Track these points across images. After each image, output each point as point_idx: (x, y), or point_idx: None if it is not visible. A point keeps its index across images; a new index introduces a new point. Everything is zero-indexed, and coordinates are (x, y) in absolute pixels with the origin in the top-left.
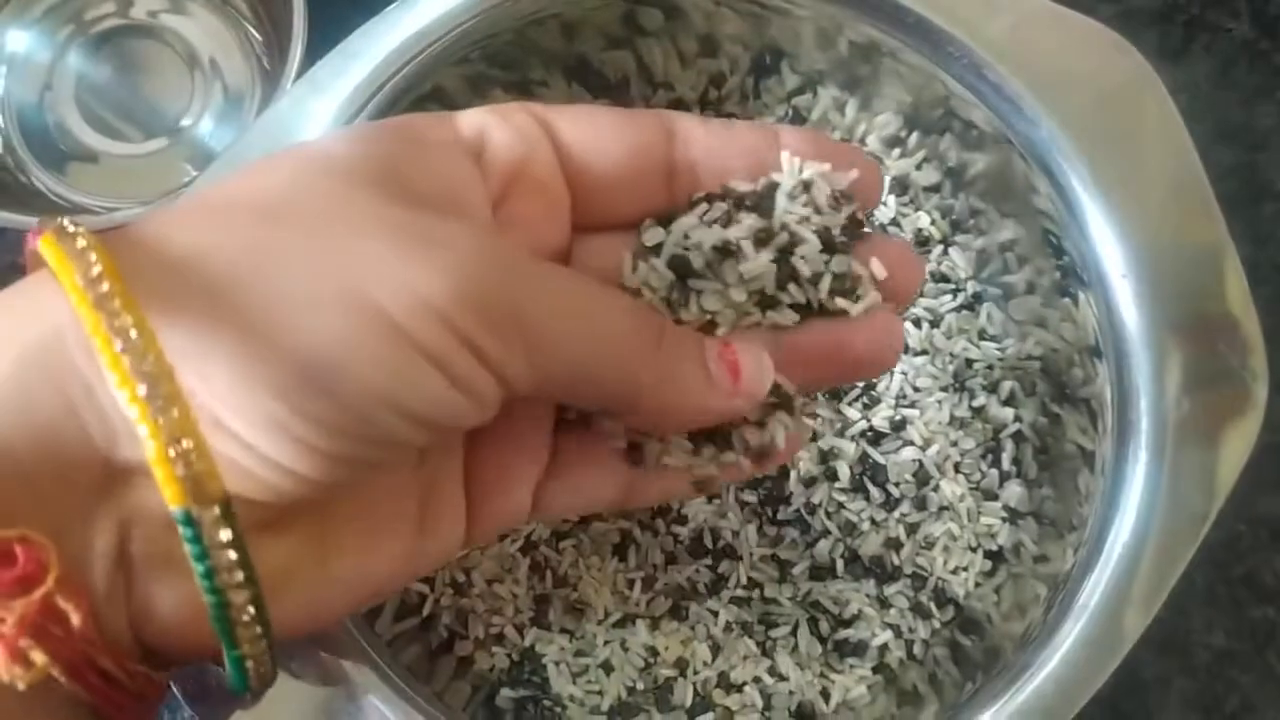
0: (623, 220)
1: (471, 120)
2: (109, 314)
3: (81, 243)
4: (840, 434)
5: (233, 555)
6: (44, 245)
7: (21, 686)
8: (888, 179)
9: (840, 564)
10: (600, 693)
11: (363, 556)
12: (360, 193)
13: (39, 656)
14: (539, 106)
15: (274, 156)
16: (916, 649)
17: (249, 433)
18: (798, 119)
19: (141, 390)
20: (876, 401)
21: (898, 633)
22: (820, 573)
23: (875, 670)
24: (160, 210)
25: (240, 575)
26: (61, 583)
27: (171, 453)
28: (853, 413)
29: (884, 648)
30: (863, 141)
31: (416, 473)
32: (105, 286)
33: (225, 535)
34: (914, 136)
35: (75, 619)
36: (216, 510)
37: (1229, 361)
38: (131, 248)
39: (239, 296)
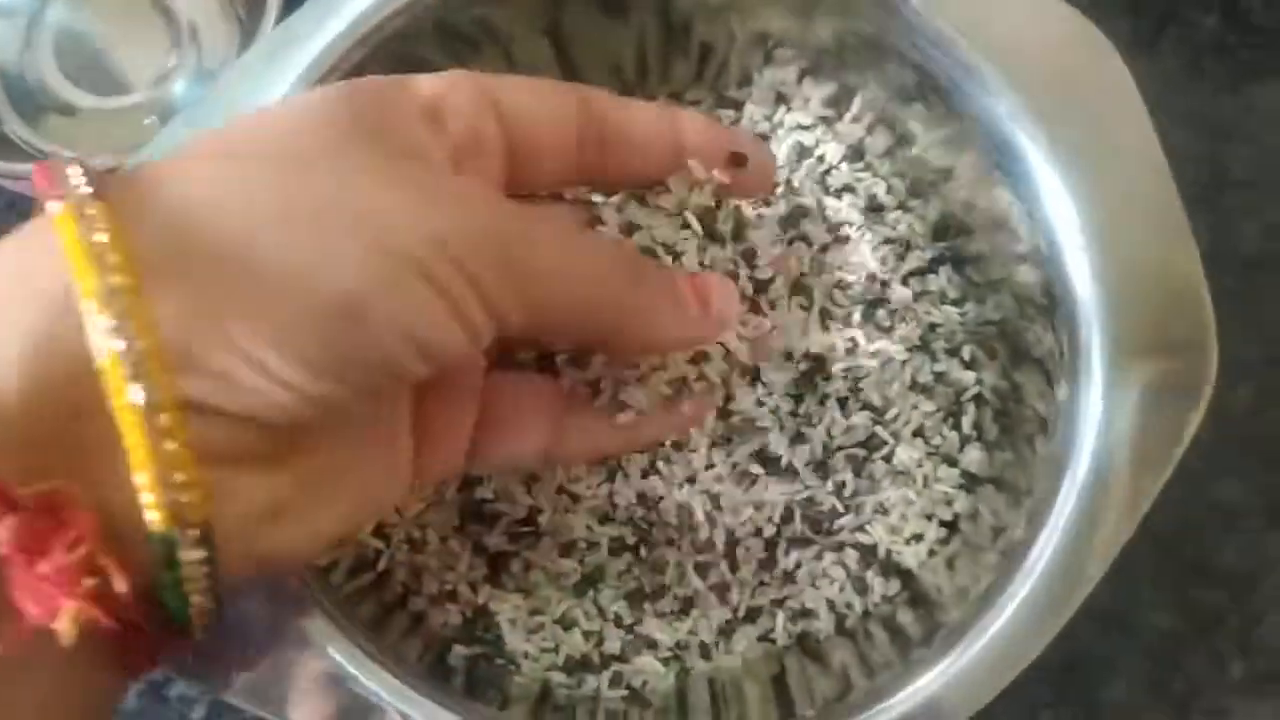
0: (540, 186)
1: (429, 86)
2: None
3: (91, 211)
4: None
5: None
6: (59, 223)
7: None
8: (842, 146)
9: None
10: (555, 649)
11: (339, 500)
12: (365, 146)
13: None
14: (483, 76)
15: (272, 109)
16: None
17: (276, 363)
18: (744, 83)
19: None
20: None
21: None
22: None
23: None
24: (168, 161)
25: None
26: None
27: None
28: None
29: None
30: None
31: (382, 422)
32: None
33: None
34: (864, 101)
35: (120, 583)
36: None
37: (1180, 337)
38: (142, 199)
39: (270, 242)
